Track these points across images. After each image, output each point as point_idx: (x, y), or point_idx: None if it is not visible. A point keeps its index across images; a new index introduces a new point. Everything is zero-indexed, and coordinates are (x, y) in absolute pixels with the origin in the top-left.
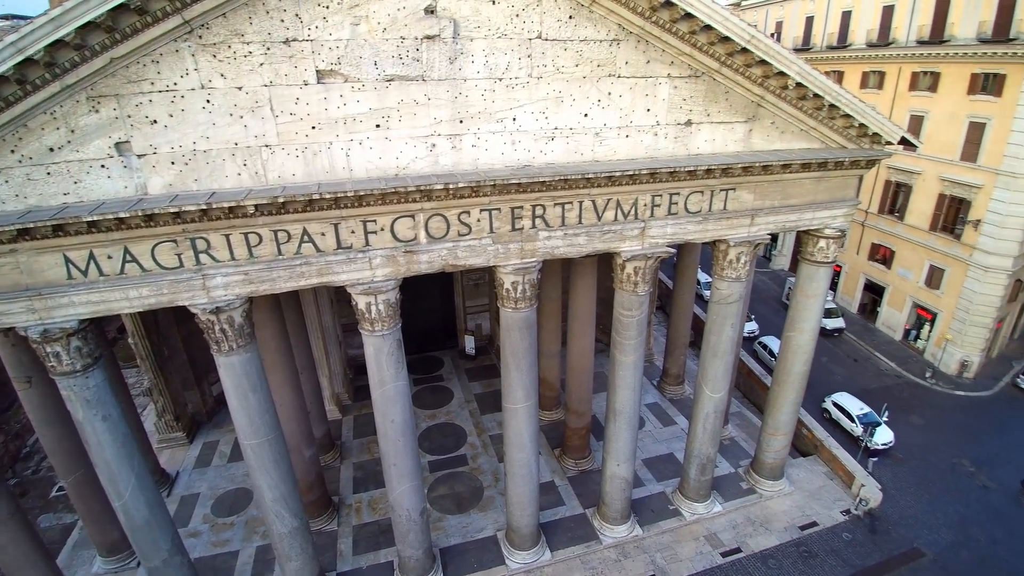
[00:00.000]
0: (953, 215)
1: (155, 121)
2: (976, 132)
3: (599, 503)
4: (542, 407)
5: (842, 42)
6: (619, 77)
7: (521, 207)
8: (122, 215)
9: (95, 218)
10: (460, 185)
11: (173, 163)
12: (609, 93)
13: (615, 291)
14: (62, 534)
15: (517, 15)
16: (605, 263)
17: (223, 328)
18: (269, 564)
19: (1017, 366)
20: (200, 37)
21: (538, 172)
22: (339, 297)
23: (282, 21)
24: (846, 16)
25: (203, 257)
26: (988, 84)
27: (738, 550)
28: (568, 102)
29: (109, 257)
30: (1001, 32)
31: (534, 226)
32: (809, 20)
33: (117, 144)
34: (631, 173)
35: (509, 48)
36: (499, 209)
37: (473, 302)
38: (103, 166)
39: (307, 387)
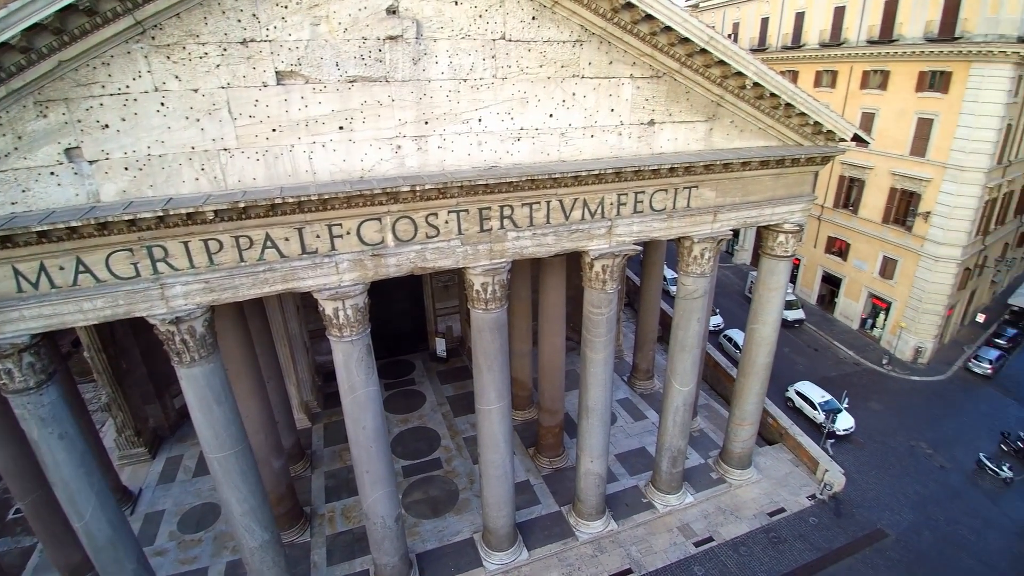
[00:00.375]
0: (904, 208)
1: (107, 126)
2: (924, 128)
3: (574, 500)
4: (515, 407)
5: (796, 42)
6: (583, 78)
7: (489, 208)
8: (74, 224)
9: (45, 228)
10: (427, 187)
11: (127, 169)
12: (573, 94)
13: (584, 289)
14: (21, 558)
15: (480, 16)
16: (574, 261)
17: (184, 339)
18: None
19: (968, 351)
20: (153, 38)
21: (505, 173)
22: (305, 303)
23: (239, 21)
24: (800, 17)
25: (161, 266)
26: (935, 81)
27: (710, 539)
28: (533, 103)
29: (61, 268)
30: (947, 31)
31: (502, 227)
32: (764, 21)
33: (67, 150)
34: (597, 173)
35: (473, 49)
36: (467, 210)
37: (443, 304)
38: (53, 173)
39: (274, 396)
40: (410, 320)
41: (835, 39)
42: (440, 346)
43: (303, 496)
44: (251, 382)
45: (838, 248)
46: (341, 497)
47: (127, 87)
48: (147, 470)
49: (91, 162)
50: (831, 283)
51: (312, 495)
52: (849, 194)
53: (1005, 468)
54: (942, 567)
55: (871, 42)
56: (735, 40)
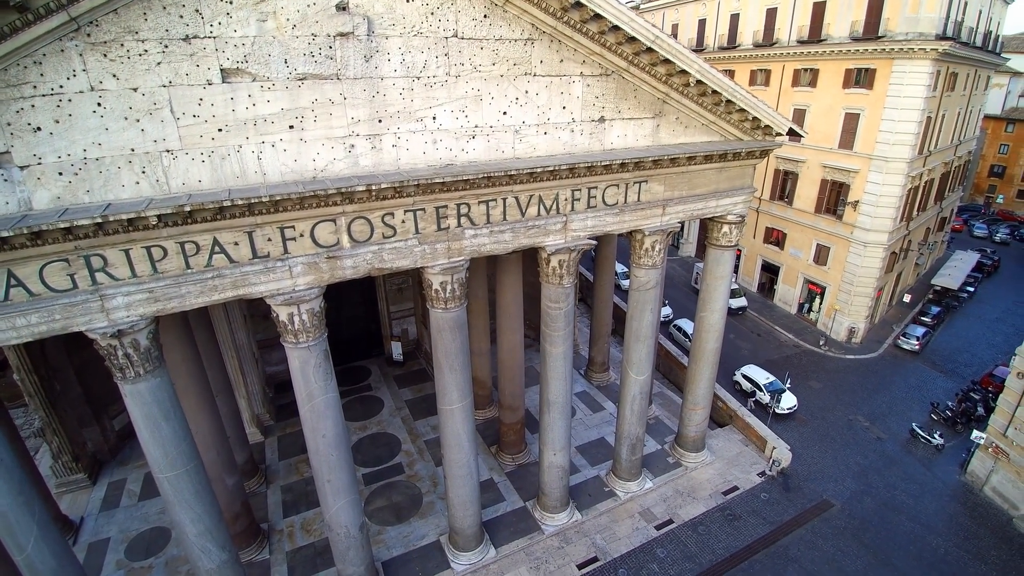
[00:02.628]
0: (835, 198)
1: (39, 128)
2: (851, 122)
3: (539, 494)
4: (475, 406)
5: (732, 43)
6: (535, 76)
7: (446, 206)
8: (4, 234)
9: None
10: (383, 186)
11: (61, 174)
12: (526, 91)
13: (542, 285)
14: None
15: (432, 13)
16: (529, 259)
17: (127, 353)
18: None
19: (897, 329)
20: (88, 35)
21: (461, 171)
22: (252, 312)
23: (181, 17)
24: (735, 18)
25: (100, 276)
26: (861, 78)
27: (670, 522)
28: (487, 100)
29: None
30: (871, 30)
31: (460, 225)
32: (702, 23)
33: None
34: (551, 169)
35: (426, 46)
36: (424, 209)
37: (398, 307)
38: None
39: (224, 410)
40: (364, 325)
41: (768, 39)
42: (396, 350)
43: (259, 512)
44: (199, 397)
45: (775, 238)
46: (300, 511)
47: (61, 87)
48: (88, 497)
49: (22, 167)
50: (770, 271)
51: (269, 511)
52: (784, 187)
53: (936, 436)
54: (884, 531)
55: (801, 42)
56: (674, 33)
